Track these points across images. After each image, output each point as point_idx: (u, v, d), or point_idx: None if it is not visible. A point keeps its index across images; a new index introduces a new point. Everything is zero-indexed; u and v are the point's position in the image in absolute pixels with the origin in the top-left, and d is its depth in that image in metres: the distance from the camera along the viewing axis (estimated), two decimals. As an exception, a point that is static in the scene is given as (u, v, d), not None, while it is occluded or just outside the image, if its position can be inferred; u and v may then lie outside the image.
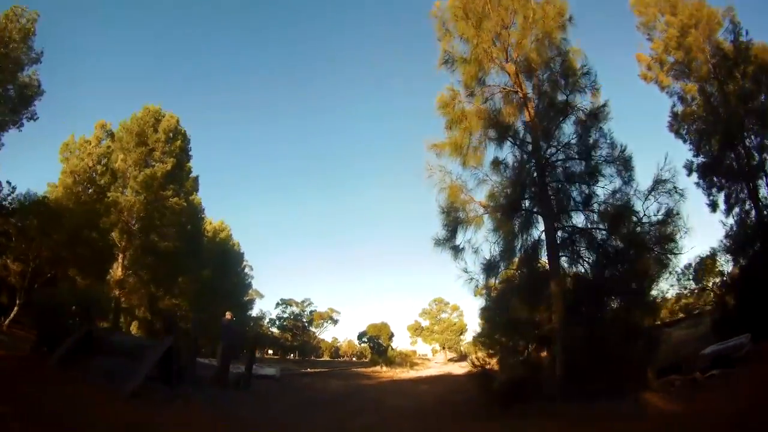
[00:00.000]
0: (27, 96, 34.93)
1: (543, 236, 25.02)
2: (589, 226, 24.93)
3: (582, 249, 24.94)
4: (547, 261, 25.15)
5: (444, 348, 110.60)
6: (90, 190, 48.47)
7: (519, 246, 25.49)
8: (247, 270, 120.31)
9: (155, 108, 54.53)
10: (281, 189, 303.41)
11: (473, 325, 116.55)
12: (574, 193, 25.40)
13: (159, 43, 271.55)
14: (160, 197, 51.39)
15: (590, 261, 24.63)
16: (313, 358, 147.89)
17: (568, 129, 26.03)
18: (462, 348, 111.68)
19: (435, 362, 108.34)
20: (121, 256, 50.41)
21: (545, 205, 24.66)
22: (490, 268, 26.26)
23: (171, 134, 54.07)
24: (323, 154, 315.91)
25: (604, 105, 25.15)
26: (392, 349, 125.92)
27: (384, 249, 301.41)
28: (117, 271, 50.45)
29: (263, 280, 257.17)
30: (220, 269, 74.87)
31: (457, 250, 26.71)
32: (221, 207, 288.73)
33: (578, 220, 25.53)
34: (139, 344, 26.62)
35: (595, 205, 24.82)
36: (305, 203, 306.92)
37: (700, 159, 37.27)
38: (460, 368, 60.57)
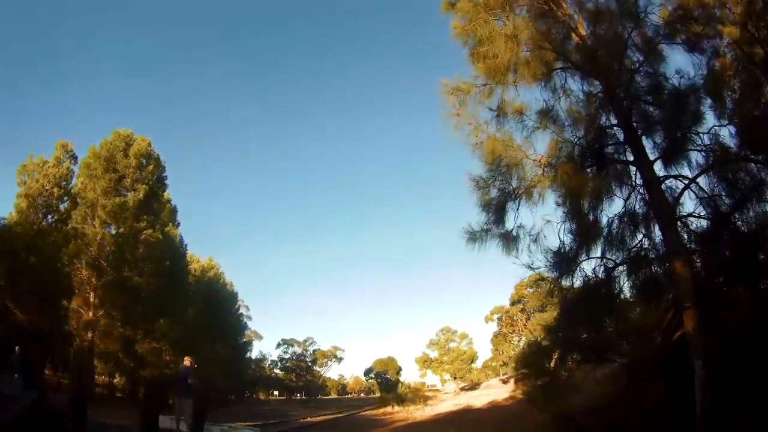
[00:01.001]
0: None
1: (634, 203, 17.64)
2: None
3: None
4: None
5: (455, 378, 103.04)
6: (49, 217, 43.74)
7: (606, 222, 17.95)
8: (242, 311, 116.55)
9: (126, 132, 49.26)
10: (276, 229, 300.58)
11: (484, 352, 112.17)
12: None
13: (138, 64, 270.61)
14: (133, 229, 46.03)
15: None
16: (319, 396, 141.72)
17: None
18: (473, 377, 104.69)
19: (446, 393, 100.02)
20: (91, 294, 44.89)
21: (637, 150, 16.95)
22: (563, 261, 18.36)
23: (143, 159, 48.81)
24: (317, 190, 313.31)
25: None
26: (401, 383, 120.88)
27: (386, 283, 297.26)
28: (88, 312, 44.62)
29: (262, 321, 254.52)
30: (210, 310, 69.61)
31: (509, 239, 18.26)
32: (214, 249, 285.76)
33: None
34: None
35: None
36: (302, 242, 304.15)
37: None
38: (478, 399, 54.41)
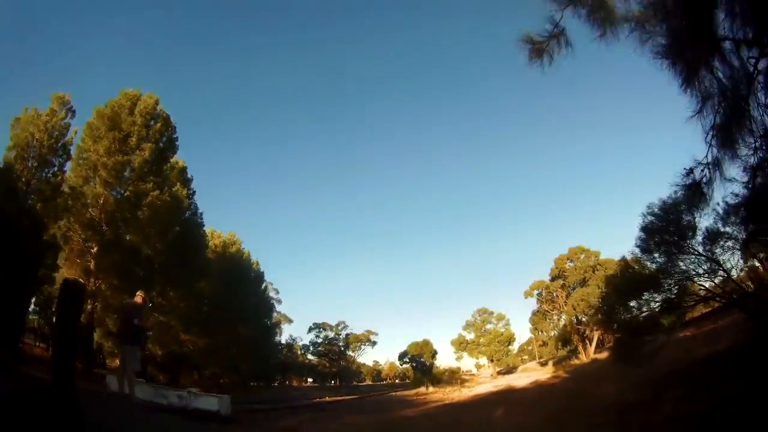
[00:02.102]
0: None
1: None
2: None
3: None
4: None
5: (492, 361, 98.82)
6: (43, 171, 38.51)
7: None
8: (271, 294, 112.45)
9: (133, 92, 44.45)
10: (310, 214, 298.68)
11: (522, 332, 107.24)
12: None
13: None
14: (137, 190, 42.02)
15: None
16: (354, 383, 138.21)
17: None
18: (509, 360, 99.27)
19: (483, 377, 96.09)
20: (92, 263, 40.05)
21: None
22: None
23: (149, 117, 44.00)
24: (352, 168, 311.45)
25: None
26: (436, 367, 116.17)
27: (421, 262, 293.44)
28: (88, 282, 38.70)
29: (294, 305, 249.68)
30: (231, 287, 65.13)
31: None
32: (248, 237, 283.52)
33: None
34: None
35: None
36: (335, 222, 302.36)
37: None
38: (518, 381, 48.94)
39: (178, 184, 48.33)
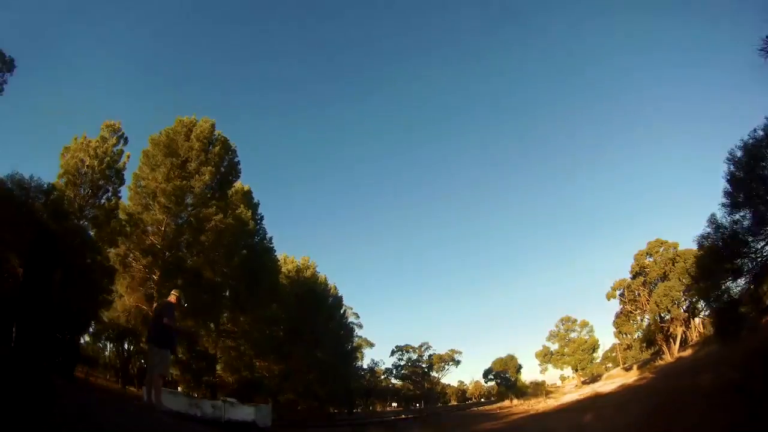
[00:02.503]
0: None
1: None
2: None
3: None
4: None
5: (576, 370, 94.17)
6: (103, 200, 38.63)
7: None
8: (351, 318, 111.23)
9: (189, 119, 43.83)
10: (384, 236, 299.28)
11: (606, 337, 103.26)
12: None
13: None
14: (200, 214, 41.17)
15: None
16: (439, 404, 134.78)
17: None
18: (593, 369, 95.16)
19: (568, 388, 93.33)
20: (154, 289, 38.71)
21: None
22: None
23: (206, 141, 43.10)
24: (424, 191, 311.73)
25: None
26: (521, 381, 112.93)
27: (501, 276, 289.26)
28: (152, 306, 38.17)
29: (375, 329, 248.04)
30: (306, 311, 63.79)
31: None
32: (327, 263, 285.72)
33: None
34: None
35: None
36: (411, 245, 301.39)
37: None
38: (603, 387, 47.09)
39: (242, 206, 47.25)
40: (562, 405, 36.26)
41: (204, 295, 39.76)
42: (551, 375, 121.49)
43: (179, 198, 39.84)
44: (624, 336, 77.02)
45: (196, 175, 41.31)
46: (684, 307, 60.54)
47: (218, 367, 46.92)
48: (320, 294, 70.51)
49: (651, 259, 67.10)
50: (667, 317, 61.93)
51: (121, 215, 39.33)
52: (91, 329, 39.07)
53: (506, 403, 44.14)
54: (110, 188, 38.99)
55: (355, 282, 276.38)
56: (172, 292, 16.02)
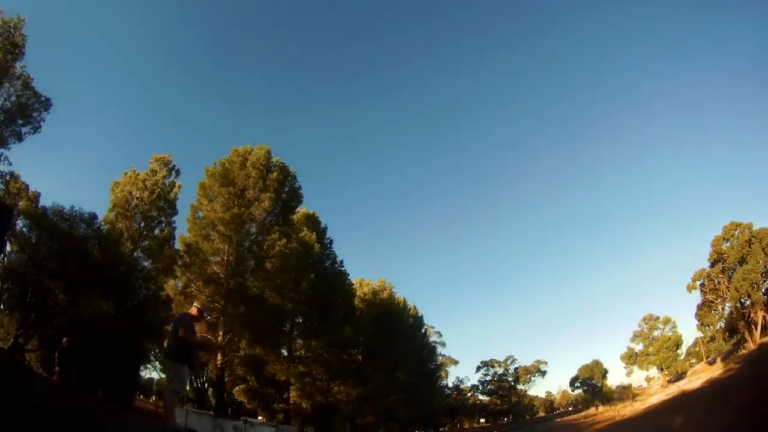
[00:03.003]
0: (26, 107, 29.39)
1: None
2: None
3: None
4: None
5: (662, 370, 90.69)
6: (150, 228, 38.39)
7: None
8: (434, 337, 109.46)
9: (244, 148, 43.25)
10: (466, 254, 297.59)
11: (689, 332, 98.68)
12: None
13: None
14: (264, 241, 40.61)
15: None
16: (527, 417, 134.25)
17: None
18: (677, 366, 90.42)
19: (654, 388, 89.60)
20: (219, 318, 38.38)
21: None
22: None
23: (263, 169, 42.18)
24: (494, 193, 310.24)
25: None
26: (607, 386, 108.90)
27: (581, 280, 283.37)
28: (216, 336, 38.72)
29: (458, 347, 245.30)
30: (384, 333, 62.49)
31: None
32: (407, 285, 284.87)
33: None
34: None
35: None
36: (489, 260, 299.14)
37: None
38: (689, 385, 45.18)
39: (305, 229, 46.51)
40: (649, 408, 33.59)
41: (269, 321, 38.69)
42: (637, 377, 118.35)
43: (239, 226, 39.00)
44: (706, 328, 73.15)
45: (256, 203, 40.69)
46: (764, 289, 57.03)
47: (293, 394, 46.03)
48: (398, 315, 69.44)
49: (728, 244, 63.56)
50: (748, 302, 58.45)
51: (180, 246, 39.08)
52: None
53: (592, 410, 41.22)
54: (163, 219, 38.96)
55: (436, 301, 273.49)
56: (194, 303, 14.64)
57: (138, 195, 37.40)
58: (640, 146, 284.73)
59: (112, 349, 28.40)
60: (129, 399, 32.22)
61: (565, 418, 37.82)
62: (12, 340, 27.13)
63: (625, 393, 53.33)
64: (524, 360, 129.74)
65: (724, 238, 63.84)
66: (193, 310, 14.06)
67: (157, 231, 38.30)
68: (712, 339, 73.12)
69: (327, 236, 53.54)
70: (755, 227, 59.94)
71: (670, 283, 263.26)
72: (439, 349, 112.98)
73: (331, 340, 46.90)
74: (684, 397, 32.45)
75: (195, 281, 38.85)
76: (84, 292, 28.56)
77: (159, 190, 38.35)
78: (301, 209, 51.44)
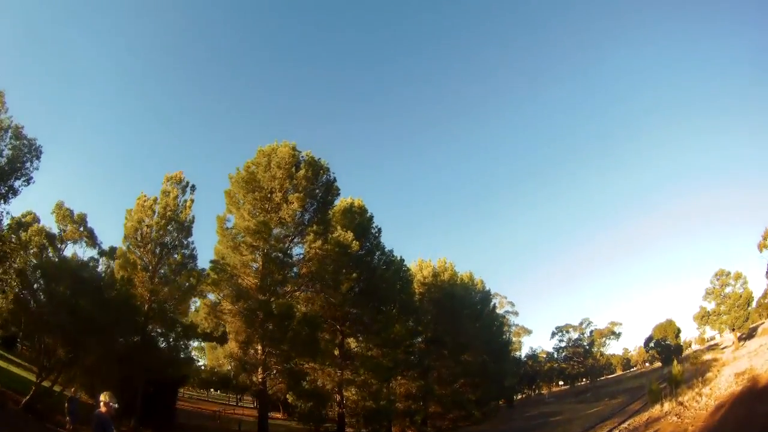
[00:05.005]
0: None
1: None
2: None
3: None
4: None
5: (733, 330, 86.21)
6: (157, 251, 34.17)
7: None
8: (506, 307, 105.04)
9: (271, 147, 38.78)
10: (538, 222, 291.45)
11: (760, 290, 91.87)
12: None
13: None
14: (289, 249, 38.34)
15: None
16: (603, 377, 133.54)
17: None
18: (749, 323, 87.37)
19: (724, 348, 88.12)
20: (256, 329, 34.76)
21: None
22: None
23: (288, 167, 37.60)
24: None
25: None
26: (683, 345, 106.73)
27: (652, 238, 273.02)
28: (256, 355, 35.97)
29: (532, 314, 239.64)
30: (446, 316, 58.49)
31: None
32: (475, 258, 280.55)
33: None
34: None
35: None
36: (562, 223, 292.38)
37: None
38: (759, 359, 39.91)
39: (339, 228, 41.65)
40: (716, 411, 27.15)
41: (302, 335, 34.66)
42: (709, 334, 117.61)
43: (266, 234, 35.43)
44: None
45: (284, 205, 36.78)
46: None
47: (350, 394, 42.62)
48: (461, 296, 64.35)
49: None
50: None
51: (215, 258, 36.32)
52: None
53: (656, 409, 34.59)
54: (177, 243, 35.15)
55: (508, 270, 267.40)
56: (101, 398, 10.96)
57: (148, 222, 34.02)
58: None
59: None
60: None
61: (623, 424, 32.76)
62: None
63: (695, 372, 46.98)
64: (599, 323, 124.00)
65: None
66: (102, 408, 11.10)
67: (176, 255, 34.82)
68: None
69: (374, 225, 48.82)
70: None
71: (743, 242, 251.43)
72: (512, 319, 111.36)
73: (382, 341, 42.95)
74: (757, 394, 26.39)
75: (226, 298, 36.14)
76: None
77: (170, 213, 34.63)
78: (346, 199, 48.09)
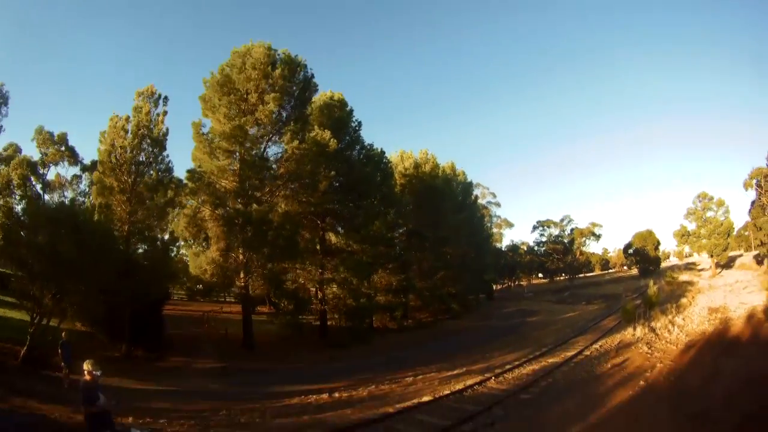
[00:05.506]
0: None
1: None
2: None
3: None
4: None
5: (711, 256, 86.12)
6: (133, 170, 32.62)
7: None
8: (488, 198, 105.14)
9: (246, 47, 37.33)
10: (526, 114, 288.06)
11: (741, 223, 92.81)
12: None
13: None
14: (265, 150, 38.06)
15: None
16: (582, 275, 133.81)
17: None
18: (728, 252, 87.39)
19: (702, 270, 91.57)
20: (238, 239, 35.29)
21: None
22: None
23: (264, 66, 36.19)
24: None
25: None
26: (661, 255, 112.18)
27: (640, 146, 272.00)
28: (238, 254, 36.05)
29: (514, 209, 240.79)
30: (427, 208, 58.48)
31: None
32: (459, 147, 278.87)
33: None
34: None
35: None
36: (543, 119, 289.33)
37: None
38: (734, 298, 38.19)
39: (317, 128, 40.30)
40: (687, 348, 26.73)
41: (281, 238, 35.00)
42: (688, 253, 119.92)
43: (240, 137, 35.07)
44: (759, 230, 66.34)
45: (260, 106, 35.74)
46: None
47: (332, 290, 43.47)
48: (442, 188, 63.57)
49: None
50: None
51: (186, 173, 36.02)
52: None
53: (628, 333, 33.87)
54: (151, 159, 33.54)
55: (493, 160, 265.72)
56: (84, 366, 10.94)
57: (121, 143, 32.20)
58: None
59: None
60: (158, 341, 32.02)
61: (587, 350, 31.74)
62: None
63: (672, 296, 46.70)
64: (580, 223, 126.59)
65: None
66: (87, 377, 10.96)
67: (151, 172, 33.40)
68: (762, 244, 66.38)
69: (354, 119, 48.10)
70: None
71: (727, 168, 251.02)
72: (494, 210, 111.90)
73: (362, 237, 43.54)
74: (728, 340, 26.06)
75: (204, 205, 35.93)
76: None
77: (143, 130, 32.91)
78: (326, 93, 47.12)
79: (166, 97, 34.22)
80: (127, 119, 32.63)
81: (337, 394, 20.81)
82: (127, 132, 32.28)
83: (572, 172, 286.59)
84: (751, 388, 15.14)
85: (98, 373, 10.57)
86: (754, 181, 63.58)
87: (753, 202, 65.94)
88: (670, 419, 14.38)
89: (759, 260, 70.14)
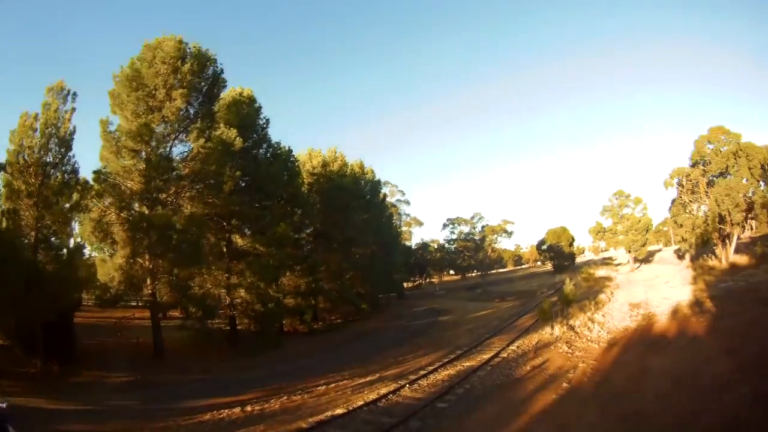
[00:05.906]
0: None
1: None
2: None
3: None
4: None
5: (629, 251, 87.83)
6: (40, 173, 31.26)
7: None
8: (397, 196, 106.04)
9: (158, 40, 36.48)
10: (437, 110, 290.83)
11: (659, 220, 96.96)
12: None
13: None
14: (170, 149, 37.34)
15: None
16: (495, 271, 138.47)
17: None
18: (646, 249, 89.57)
19: (619, 265, 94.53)
20: (142, 244, 34.39)
21: None
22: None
23: (174, 61, 35.78)
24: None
25: None
26: (575, 250, 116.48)
27: (557, 145, 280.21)
28: (144, 260, 35.17)
29: (426, 206, 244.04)
30: (334, 208, 59.19)
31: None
32: (366, 148, 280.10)
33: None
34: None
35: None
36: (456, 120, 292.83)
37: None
38: (656, 293, 40.81)
39: (222, 126, 40.13)
40: (608, 347, 27.31)
41: (187, 244, 35.01)
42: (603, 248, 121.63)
43: (145, 136, 34.41)
44: (679, 227, 69.83)
45: (168, 103, 35.29)
46: (744, 209, 52.51)
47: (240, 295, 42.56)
48: (349, 187, 64.15)
49: (712, 147, 58.17)
50: (727, 217, 53.84)
51: (92, 174, 34.58)
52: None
53: (546, 332, 33.62)
54: (57, 160, 32.27)
55: (400, 156, 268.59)
56: None
57: (29, 143, 31.18)
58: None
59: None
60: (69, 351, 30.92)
61: (512, 347, 31.77)
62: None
63: (590, 292, 47.86)
64: (491, 220, 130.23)
65: (708, 141, 58.68)
66: None
67: (57, 174, 32.14)
68: (683, 239, 69.77)
69: (262, 116, 48.14)
70: (743, 140, 54.75)
71: (646, 171, 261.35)
72: (403, 208, 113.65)
73: (268, 240, 43.59)
74: (651, 337, 27.10)
75: (109, 208, 34.99)
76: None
77: (51, 128, 31.83)
78: (236, 89, 47.12)
79: (75, 93, 33.18)
80: (36, 117, 31.46)
81: (249, 408, 21.15)
82: (35, 131, 31.18)
83: (485, 170, 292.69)
84: (683, 387, 15.98)
85: (3, 405, 10.36)
86: (675, 180, 66.52)
87: (673, 200, 68.92)
88: (602, 422, 14.87)
89: (680, 255, 73.18)
